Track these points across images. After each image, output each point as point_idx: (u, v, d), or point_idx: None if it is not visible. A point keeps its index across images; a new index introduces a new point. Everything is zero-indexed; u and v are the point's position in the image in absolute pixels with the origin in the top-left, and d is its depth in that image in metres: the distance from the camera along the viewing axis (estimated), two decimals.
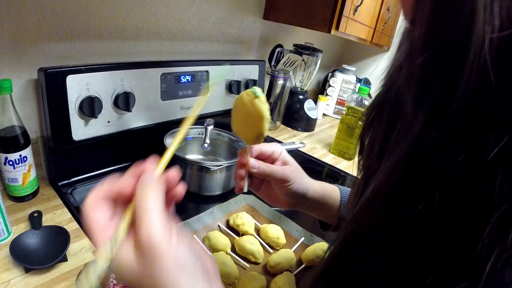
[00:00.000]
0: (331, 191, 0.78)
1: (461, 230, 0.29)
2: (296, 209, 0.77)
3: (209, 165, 1.10)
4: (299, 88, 2.00)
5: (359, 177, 0.52)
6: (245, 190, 0.69)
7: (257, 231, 0.99)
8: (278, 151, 0.71)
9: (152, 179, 0.43)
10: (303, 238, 0.98)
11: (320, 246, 0.91)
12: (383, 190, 0.34)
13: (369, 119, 0.49)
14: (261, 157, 0.69)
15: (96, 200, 0.43)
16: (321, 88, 2.57)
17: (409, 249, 0.32)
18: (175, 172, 0.47)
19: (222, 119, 1.51)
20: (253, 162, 0.66)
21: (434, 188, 0.29)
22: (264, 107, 0.58)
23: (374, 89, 2.59)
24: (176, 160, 1.12)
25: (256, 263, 0.89)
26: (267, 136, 1.74)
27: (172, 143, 0.50)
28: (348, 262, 0.38)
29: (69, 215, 0.95)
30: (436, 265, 0.31)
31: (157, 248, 0.37)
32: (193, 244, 0.41)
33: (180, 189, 0.48)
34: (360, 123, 1.60)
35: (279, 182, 0.69)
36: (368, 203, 0.36)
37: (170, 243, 0.38)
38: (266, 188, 0.75)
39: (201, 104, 0.53)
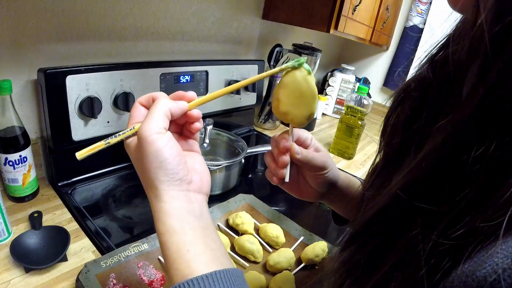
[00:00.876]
0: (354, 182, 0.74)
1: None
2: (321, 200, 0.73)
3: (208, 165, 1.10)
4: None
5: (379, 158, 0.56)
6: (287, 179, 0.62)
7: (257, 230, 0.99)
8: (309, 138, 0.67)
9: (171, 96, 0.57)
10: (302, 237, 0.98)
11: (319, 245, 0.91)
12: (442, 150, 0.34)
13: (400, 99, 0.53)
14: (296, 143, 0.63)
15: (139, 102, 0.56)
16: (321, 88, 2.57)
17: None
18: (197, 111, 0.57)
19: (221, 119, 1.52)
20: (297, 147, 0.60)
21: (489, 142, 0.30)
22: (314, 85, 0.55)
23: (374, 88, 2.60)
24: None
25: (255, 263, 0.90)
26: (266, 135, 1.74)
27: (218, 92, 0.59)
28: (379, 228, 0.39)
29: (69, 215, 0.96)
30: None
31: (145, 140, 0.47)
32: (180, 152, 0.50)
33: (197, 124, 0.58)
34: (360, 122, 1.60)
35: (317, 169, 0.65)
36: (419, 167, 0.36)
37: (156, 141, 0.47)
38: (294, 179, 0.69)
39: (263, 76, 0.56)
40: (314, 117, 1.96)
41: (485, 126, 0.31)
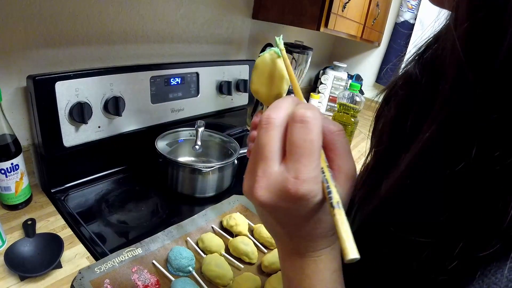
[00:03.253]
0: None
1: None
2: None
3: (201, 167, 1.10)
4: (290, 86, 1.99)
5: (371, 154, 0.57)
6: None
7: (251, 231, 0.99)
8: None
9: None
10: None
11: None
12: (430, 148, 0.34)
13: (387, 97, 0.55)
14: None
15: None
16: (313, 86, 2.58)
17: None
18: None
19: (213, 120, 1.52)
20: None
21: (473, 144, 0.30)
22: (283, 67, 0.56)
23: (366, 84, 2.60)
24: (168, 163, 1.12)
25: (250, 264, 0.90)
26: None
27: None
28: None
29: (62, 222, 0.96)
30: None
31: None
32: None
33: None
34: (352, 119, 1.61)
35: None
36: (414, 162, 0.36)
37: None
38: None
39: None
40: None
41: (463, 131, 0.31)
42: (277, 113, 0.37)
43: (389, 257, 0.36)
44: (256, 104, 1.82)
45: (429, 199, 0.33)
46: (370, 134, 0.60)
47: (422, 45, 0.49)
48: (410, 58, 0.51)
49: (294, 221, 0.38)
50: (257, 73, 0.59)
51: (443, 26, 0.45)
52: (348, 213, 0.53)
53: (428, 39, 0.49)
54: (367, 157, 0.61)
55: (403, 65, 0.52)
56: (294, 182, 0.34)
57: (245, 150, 1.28)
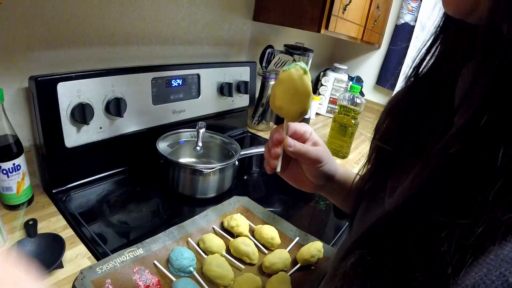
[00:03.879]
0: (353, 177, 0.75)
1: None
2: (319, 192, 0.76)
3: (202, 168, 1.11)
4: None
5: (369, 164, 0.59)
6: (279, 169, 0.66)
7: (252, 232, 0.99)
8: (308, 131, 0.69)
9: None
10: (297, 238, 0.99)
11: (314, 246, 0.92)
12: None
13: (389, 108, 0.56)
14: (293, 137, 0.66)
15: None
16: (314, 87, 2.58)
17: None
18: None
19: (214, 122, 1.52)
20: (289, 140, 0.63)
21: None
22: (310, 84, 0.58)
23: (367, 86, 2.60)
24: (169, 164, 1.12)
25: (251, 264, 0.90)
26: (260, 136, 1.74)
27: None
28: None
29: (64, 222, 0.96)
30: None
31: None
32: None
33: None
34: (353, 121, 1.61)
35: (312, 162, 0.67)
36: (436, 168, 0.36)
37: None
38: (293, 169, 0.72)
39: None
40: (308, 115, 1.97)
41: (486, 135, 0.32)
42: None
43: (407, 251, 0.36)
44: (257, 106, 1.82)
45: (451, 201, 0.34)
46: (371, 140, 0.61)
47: (418, 58, 0.51)
48: (409, 73, 0.52)
49: None
50: (282, 88, 0.59)
51: (433, 38, 0.48)
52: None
53: (422, 49, 0.50)
54: (366, 161, 0.62)
55: (403, 79, 0.53)
56: None
57: (246, 152, 1.28)
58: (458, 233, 0.32)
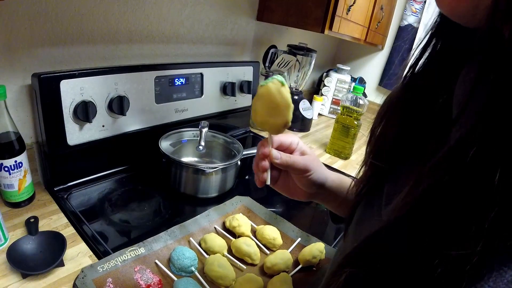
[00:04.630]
0: (347, 182, 0.76)
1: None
2: (313, 200, 0.76)
3: (204, 168, 1.10)
4: (294, 89, 2.00)
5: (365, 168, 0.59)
6: (268, 182, 0.67)
7: (254, 232, 0.99)
8: (295, 142, 0.70)
9: None
10: (299, 239, 0.98)
11: (316, 247, 0.91)
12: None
13: (385, 111, 0.56)
14: (280, 148, 0.68)
15: None
16: (316, 88, 2.58)
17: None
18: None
19: (217, 121, 1.52)
20: (275, 152, 0.65)
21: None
22: (289, 95, 0.58)
23: (370, 87, 2.60)
24: (171, 163, 1.12)
25: (253, 265, 0.90)
26: (262, 137, 1.74)
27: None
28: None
29: (65, 220, 0.95)
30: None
31: None
32: None
33: None
34: (355, 122, 1.60)
35: (300, 172, 0.68)
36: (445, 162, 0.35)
37: None
38: (284, 180, 0.73)
39: None
40: (310, 115, 1.97)
41: (480, 157, 0.30)
42: None
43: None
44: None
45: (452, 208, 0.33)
46: (366, 145, 0.60)
47: (414, 58, 0.51)
48: (408, 74, 0.52)
49: None
50: (262, 103, 0.60)
51: (428, 38, 0.48)
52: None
53: (416, 49, 0.50)
54: (361, 167, 0.61)
55: (402, 79, 0.53)
56: None
57: (249, 152, 1.28)
58: (452, 260, 0.31)
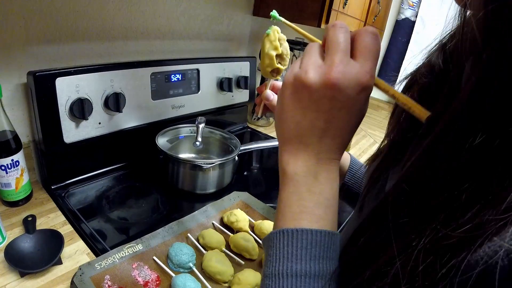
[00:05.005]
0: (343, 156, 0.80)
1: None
2: None
3: (201, 163, 1.10)
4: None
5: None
6: (259, 115, 0.76)
7: (252, 227, 0.99)
8: None
9: None
10: None
11: None
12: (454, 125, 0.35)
13: (409, 84, 0.57)
14: None
15: None
16: None
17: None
18: None
19: (213, 117, 1.51)
20: (268, 93, 0.72)
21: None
22: (268, 44, 0.67)
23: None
24: (168, 159, 1.12)
25: (251, 260, 0.90)
26: (260, 132, 1.74)
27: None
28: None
29: (63, 218, 0.95)
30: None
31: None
32: None
33: None
34: None
35: None
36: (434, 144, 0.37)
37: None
38: None
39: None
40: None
41: (479, 116, 0.32)
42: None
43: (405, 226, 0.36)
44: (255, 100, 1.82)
45: (443, 184, 0.34)
46: (389, 119, 0.63)
47: (445, 36, 0.51)
48: (434, 48, 0.53)
49: (344, 112, 0.43)
50: (261, 51, 0.71)
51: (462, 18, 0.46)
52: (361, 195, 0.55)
53: (451, 31, 0.49)
54: (382, 142, 0.64)
55: (426, 55, 0.54)
56: (365, 74, 0.41)
57: (246, 147, 1.28)
58: (436, 228, 0.32)
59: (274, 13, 0.64)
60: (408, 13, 2.32)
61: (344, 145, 0.45)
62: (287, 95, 0.46)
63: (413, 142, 0.48)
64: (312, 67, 0.43)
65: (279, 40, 0.71)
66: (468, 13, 0.37)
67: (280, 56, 0.73)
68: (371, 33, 0.43)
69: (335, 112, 0.43)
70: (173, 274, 0.79)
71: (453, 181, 0.33)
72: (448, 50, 0.49)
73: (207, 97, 1.44)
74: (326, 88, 0.41)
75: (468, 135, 0.32)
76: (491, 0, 0.29)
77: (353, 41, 0.44)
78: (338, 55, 0.42)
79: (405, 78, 0.58)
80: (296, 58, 1.83)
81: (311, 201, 0.44)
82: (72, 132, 1.02)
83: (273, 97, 0.71)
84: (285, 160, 0.47)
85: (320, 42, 0.48)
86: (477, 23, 0.31)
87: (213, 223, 0.99)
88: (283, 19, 0.62)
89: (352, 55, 0.43)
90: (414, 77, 0.56)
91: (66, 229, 0.91)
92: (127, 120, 1.16)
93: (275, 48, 0.67)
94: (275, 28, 0.66)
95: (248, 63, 1.59)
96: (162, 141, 1.19)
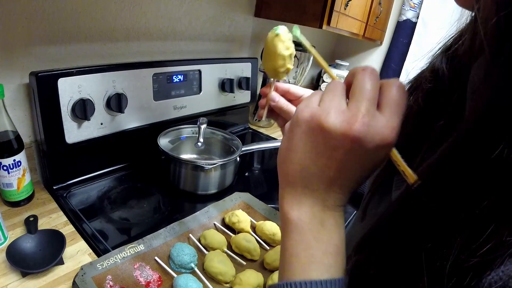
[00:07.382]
0: None
1: None
2: None
3: (203, 164, 1.10)
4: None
5: None
6: (264, 118, 0.72)
7: (253, 228, 0.99)
8: (306, 95, 0.69)
9: None
10: None
11: None
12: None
13: (412, 89, 0.56)
14: (287, 96, 0.69)
15: None
16: (315, 84, 2.57)
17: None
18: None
19: (215, 118, 1.51)
20: (273, 95, 0.68)
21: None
22: (280, 44, 0.63)
23: None
24: (170, 160, 1.12)
25: (253, 260, 0.90)
26: (261, 133, 1.74)
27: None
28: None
29: (64, 218, 0.96)
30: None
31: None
32: None
33: None
34: None
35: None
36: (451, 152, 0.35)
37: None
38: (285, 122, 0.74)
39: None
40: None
41: (496, 128, 0.31)
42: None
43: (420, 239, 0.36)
44: (257, 103, 1.82)
45: (465, 185, 0.33)
46: None
47: (449, 39, 0.50)
48: (438, 52, 0.51)
49: (359, 165, 0.40)
50: (264, 50, 0.67)
51: (467, 23, 0.45)
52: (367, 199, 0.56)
53: (455, 35, 0.49)
54: None
55: (429, 59, 0.53)
56: (392, 130, 0.38)
57: (248, 148, 1.28)
58: (456, 250, 0.32)
59: (296, 32, 0.60)
60: (409, 14, 2.32)
61: (351, 193, 0.43)
62: (298, 133, 0.42)
63: (422, 151, 0.47)
64: (334, 110, 0.39)
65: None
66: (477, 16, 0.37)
67: (288, 56, 0.72)
68: (400, 86, 0.40)
69: (349, 164, 0.39)
70: (174, 275, 0.79)
71: (472, 198, 0.32)
72: (453, 55, 0.48)
73: (208, 98, 1.44)
74: (345, 139, 0.38)
75: (486, 147, 0.31)
76: (504, 6, 0.29)
77: (379, 91, 0.40)
78: (364, 103, 0.38)
79: (409, 82, 0.57)
80: (298, 59, 1.84)
81: (319, 250, 0.41)
82: (74, 132, 1.02)
83: (278, 98, 0.69)
84: (288, 204, 0.44)
85: (341, 80, 0.45)
86: (489, 29, 0.30)
87: (214, 224, 0.99)
88: (303, 41, 0.60)
89: (378, 106, 0.39)
90: (418, 81, 0.56)
91: (68, 230, 0.91)
92: (129, 120, 1.16)
93: (287, 48, 0.66)
94: (285, 28, 0.65)
95: (249, 64, 1.59)
96: (164, 141, 1.19)
